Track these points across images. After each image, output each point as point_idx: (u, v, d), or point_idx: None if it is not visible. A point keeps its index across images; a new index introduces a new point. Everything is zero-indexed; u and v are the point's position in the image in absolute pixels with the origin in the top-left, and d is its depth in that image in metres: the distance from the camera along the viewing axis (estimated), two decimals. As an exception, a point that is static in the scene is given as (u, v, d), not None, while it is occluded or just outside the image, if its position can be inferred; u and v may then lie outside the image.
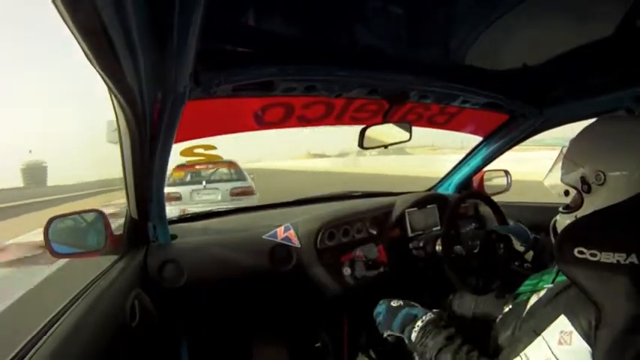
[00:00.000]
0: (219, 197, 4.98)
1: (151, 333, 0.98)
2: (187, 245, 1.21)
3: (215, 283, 1.18)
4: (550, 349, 0.62)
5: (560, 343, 0.61)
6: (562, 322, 0.62)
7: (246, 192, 5.13)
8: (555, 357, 0.61)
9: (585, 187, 0.72)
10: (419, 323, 0.87)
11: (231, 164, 5.69)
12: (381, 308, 1.00)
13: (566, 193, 0.79)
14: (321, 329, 1.47)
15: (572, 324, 0.61)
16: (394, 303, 0.97)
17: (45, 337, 0.60)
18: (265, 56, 0.86)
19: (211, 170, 5.52)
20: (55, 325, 0.64)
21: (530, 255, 1.16)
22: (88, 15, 0.37)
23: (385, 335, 0.97)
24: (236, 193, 5.05)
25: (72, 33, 0.40)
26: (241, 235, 1.31)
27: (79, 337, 0.64)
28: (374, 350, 1.35)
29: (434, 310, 0.93)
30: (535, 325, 0.67)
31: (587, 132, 0.76)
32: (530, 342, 0.65)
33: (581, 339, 0.59)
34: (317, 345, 1.46)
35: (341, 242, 1.33)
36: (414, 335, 0.86)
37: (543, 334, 0.64)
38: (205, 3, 0.54)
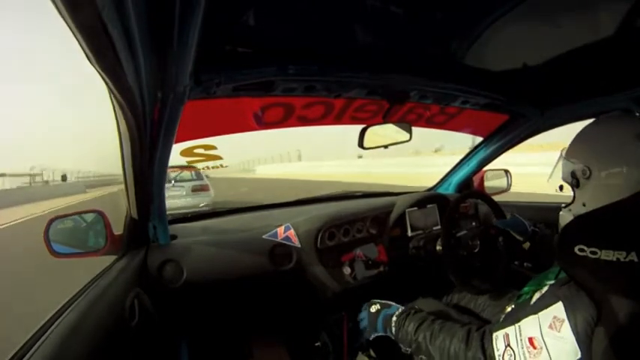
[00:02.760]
0: (184, 192, 6.67)
1: (151, 333, 0.98)
2: (187, 245, 1.20)
3: (215, 283, 1.18)
4: (540, 329, 0.64)
5: (550, 327, 0.63)
6: (558, 309, 0.64)
7: (204, 188, 6.88)
8: (542, 339, 0.63)
9: (574, 181, 0.77)
10: (394, 318, 0.96)
11: (192, 168, 7.09)
12: (362, 314, 1.09)
13: (561, 188, 0.83)
14: (321, 329, 1.47)
15: (567, 314, 0.62)
16: (372, 308, 1.06)
17: (44, 337, 0.60)
18: (265, 56, 0.86)
19: (178, 173, 7.00)
20: (55, 325, 0.64)
21: (527, 245, 1.17)
22: (88, 14, 0.37)
23: (371, 338, 1.07)
24: (196, 190, 6.76)
25: (72, 32, 0.40)
26: (241, 235, 1.31)
27: (79, 336, 0.64)
28: (374, 349, 1.35)
29: (407, 305, 1.02)
30: (536, 306, 0.70)
31: (582, 132, 0.80)
32: (527, 316, 0.68)
33: (571, 332, 0.61)
34: (317, 344, 1.46)
35: (341, 242, 1.34)
36: (394, 330, 0.95)
37: (540, 313, 0.66)
38: (206, 2, 0.54)
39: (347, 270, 1.30)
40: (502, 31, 0.87)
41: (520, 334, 0.67)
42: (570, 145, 0.81)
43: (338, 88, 1.02)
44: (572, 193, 0.82)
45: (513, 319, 0.71)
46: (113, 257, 1.05)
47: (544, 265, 1.00)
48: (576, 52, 0.94)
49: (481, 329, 0.77)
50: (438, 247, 1.33)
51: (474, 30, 0.88)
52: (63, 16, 0.37)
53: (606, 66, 1.03)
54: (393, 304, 1.04)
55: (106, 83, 0.54)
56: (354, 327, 1.42)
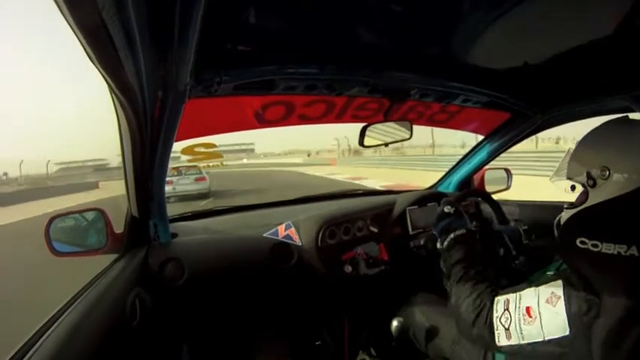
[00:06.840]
0: (189, 181, 11.09)
1: (152, 332, 0.98)
2: (188, 244, 1.20)
3: (216, 282, 1.18)
4: (538, 301, 0.67)
5: (547, 301, 0.66)
6: (557, 286, 0.66)
7: (202, 179, 11.35)
8: (538, 310, 0.67)
9: (591, 181, 0.75)
10: (451, 235, 0.97)
11: (194, 167, 12.39)
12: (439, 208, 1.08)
13: (573, 188, 0.81)
14: (321, 327, 1.47)
15: (564, 293, 0.65)
16: (447, 208, 1.05)
17: (45, 336, 0.60)
18: (266, 55, 0.86)
19: (185, 169, 11.72)
20: (56, 324, 0.64)
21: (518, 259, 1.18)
22: (88, 13, 0.37)
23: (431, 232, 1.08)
24: (197, 179, 11.21)
25: (73, 31, 0.40)
26: (242, 233, 1.31)
27: (80, 336, 0.64)
28: (374, 348, 1.35)
29: (469, 227, 1.00)
30: (537, 281, 0.73)
31: (595, 133, 0.79)
32: (528, 287, 0.71)
33: (564, 310, 0.63)
34: (318, 343, 1.46)
35: (342, 240, 1.33)
36: (445, 244, 0.98)
37: (540, 287, 0.69)
38: (206, 1, 0.53)
39: (348, 268, 1.30)
40: (503, 30, 0.87)
41: (519, 302, 0.71)
42: (583, 146, 0.79)
43: (339, 86, 1.02)
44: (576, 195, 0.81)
45: (515, 288, 0.75)
46: (114, 256, 1.04)
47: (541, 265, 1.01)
48: (577, 51, 0.94)
49: (491, 293, 0.79)
50: (439, 246, 1.33)
51: (474, 29, 0.88)
52: (63, 14, 0.37)
53: (606, 65, 1.02)
54: (465, 216, 1.03)
55: (107, 81, 0.54)
56: (355, 325, 1.43)
